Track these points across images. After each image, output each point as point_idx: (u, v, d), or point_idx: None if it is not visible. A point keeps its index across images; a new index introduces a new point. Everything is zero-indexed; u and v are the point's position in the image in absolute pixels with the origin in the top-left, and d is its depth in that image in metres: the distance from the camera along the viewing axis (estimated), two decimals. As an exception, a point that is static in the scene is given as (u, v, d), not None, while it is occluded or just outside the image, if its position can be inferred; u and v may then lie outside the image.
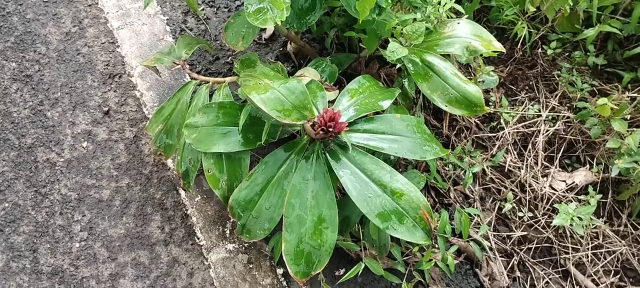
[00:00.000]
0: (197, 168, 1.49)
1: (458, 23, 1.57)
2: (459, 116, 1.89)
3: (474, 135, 1.88)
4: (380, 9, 1.51)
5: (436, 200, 1.78)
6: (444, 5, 1.56)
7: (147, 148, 1.74)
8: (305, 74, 1.57)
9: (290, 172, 1.42)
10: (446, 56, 1.55)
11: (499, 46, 1.55)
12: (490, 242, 1.68)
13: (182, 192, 1.70)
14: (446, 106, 1.49)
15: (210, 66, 1.89)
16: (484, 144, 1.88)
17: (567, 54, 1.99)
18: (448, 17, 1.62)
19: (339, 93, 1.52)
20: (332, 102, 1.60)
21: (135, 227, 1.64)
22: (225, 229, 1.65)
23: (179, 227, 1.65)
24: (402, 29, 1.53)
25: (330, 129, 1.30)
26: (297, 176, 1.38)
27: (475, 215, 1.69)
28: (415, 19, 1.55)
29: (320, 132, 1.31)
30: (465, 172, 1.75)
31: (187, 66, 1.80)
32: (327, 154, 1.38)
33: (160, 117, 1.55)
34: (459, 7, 1.59)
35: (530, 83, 1.99)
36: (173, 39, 1.94)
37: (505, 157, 1.83)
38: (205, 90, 1.52)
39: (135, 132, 1.77)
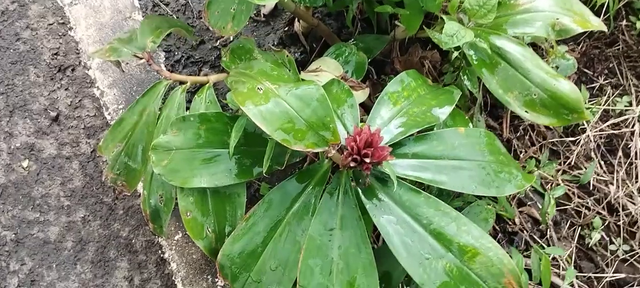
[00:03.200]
0: (171, 207, 1.06)
1: (538, -9, 1.12)
2: (523, 113, 1.44)
3: (542, 138, 1.44)
4: (430, -26, 1.05)
5: (497, 227, 1.35)
6: (518, -34, 1.10)
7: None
8: (322, 68, 1.12)
9: (305, 216, 0.99)
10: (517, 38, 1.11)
11: (597, 22, 1.11)
12: (574, 286, 1.26)
13: (158, 228, 1.27)
14: (527, 112, 1.05)
15: (193, 53, 1.44)
16: (556, 148, 1.44)
17: (659, 27, 1.53)
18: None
19: (373, 95, 1.08)
20: (363, 106, 1.16)
21: (94, 278, 1.22)
22: (216, 280, 1.22)
23: (153, 276, 1.23)
24: (459, 2, 1.08)
25: (367, 159, 0.86)
26: (317, 223, 0.95)
27: (557, 255, 1.25)
28: (478, -13, 1.09)
29: (351, 163, 0.88)
30: (538, 191, 1.32)
31: (162, 58, 1.36)
32: (360, 192, 0.94)
33: (118, 133, 1.11)
34: (538, -32, 1.13)
35: (611, 65, 1.55)
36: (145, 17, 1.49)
37: (585, 167, 1.39)
38: (182, 95, 1.08)
39: (94, 146, 1.33)
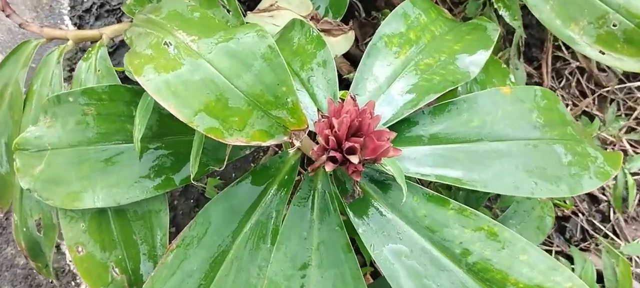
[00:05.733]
0: (54, 237, 0.70)
1: None
2: (567, 51, 1.07)
3: (595, 84, 1.07)
4: None
5: (540, 213, 0.99)
6: None
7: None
8: (280, 4, 0.74)
9: (262, 244, 0.63)
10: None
11: None
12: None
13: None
14: (602, 53, 0.69)
15: (110, -3, 1.04)
16: (613, 97, 1.07)
17: None
18: None
19: (362, 42, 0.71)
20: (349, 59, 0.79)
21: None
22: (153, 320, 0.86)
23: (64, 319, 0.88)
24: None
25: (354, 157, 0.49)
26: (280, 258, 0.60)
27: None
28: None
29: (328, 164, 0.51)
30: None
31: (65, 6, 0.99)
32: (348, 209, 0.57)
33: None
34: None
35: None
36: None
37: (657, 121, 1.03)
38: (58, 61, 0.69)
39: (-25, 137, 0.95)
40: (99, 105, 0.65)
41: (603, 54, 0.68)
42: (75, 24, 1.01)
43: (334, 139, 0.50)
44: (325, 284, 0.58)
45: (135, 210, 0.67)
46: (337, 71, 0.83)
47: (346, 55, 0.83)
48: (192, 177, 0.61)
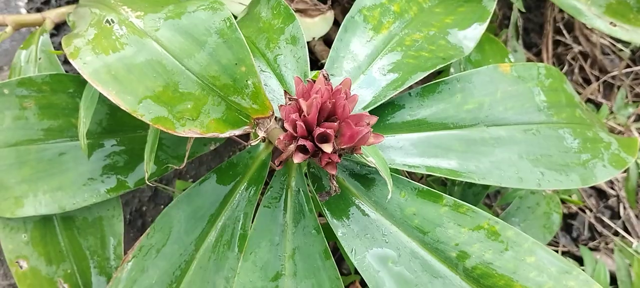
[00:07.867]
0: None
1: None
2: (569, 34, 0.99)
3: (599, 70, 0.99)
4: None
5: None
6: None
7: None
8: (249, -19, 0.66)
9: (229, 252, 0.55)
10: None
11: None
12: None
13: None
14: (613, 24, 0.61)
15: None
16: (620, 84, 0.99)
17: None
18: None
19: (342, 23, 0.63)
20: (327, 44, 0.72)
21: None
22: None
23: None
24: None
25: (327, 146, 0.41)
26: (249, 268, 0.52)
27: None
28: None
29: (297, 155, 0.43)
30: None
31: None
32: (326, 209, 0.50)
33: None
34: None
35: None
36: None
37: (667, 107, 0.95)
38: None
39: None
40: (39, 97, 0.57)
41: (614, 26, 0.60)
42: (33, 10, 0.93)
43: (302, 124, 0.42)
44: (301, 299, 0.50)
45: (85, 217, 0.59)
46: (315, 57, 0.76)
47: (326, 40, 0.76)
48: (146, 176, 0.53)
